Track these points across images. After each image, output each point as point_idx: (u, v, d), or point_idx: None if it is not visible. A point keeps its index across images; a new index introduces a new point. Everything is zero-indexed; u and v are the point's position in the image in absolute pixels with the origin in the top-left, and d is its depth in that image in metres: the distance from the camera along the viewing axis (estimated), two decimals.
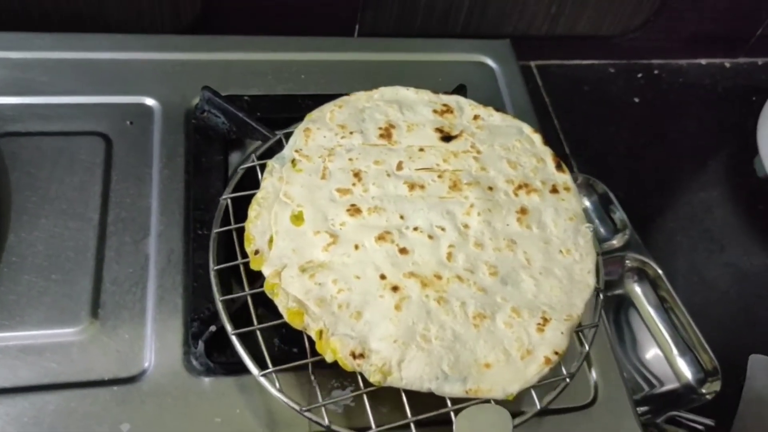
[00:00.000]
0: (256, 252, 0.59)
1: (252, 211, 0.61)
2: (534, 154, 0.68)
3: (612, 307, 0.87)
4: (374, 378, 0.53)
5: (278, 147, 0.68)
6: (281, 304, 0.56)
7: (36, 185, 0.69)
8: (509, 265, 0.60)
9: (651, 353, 0.85)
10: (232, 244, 0.62)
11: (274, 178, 0.63)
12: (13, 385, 0.58)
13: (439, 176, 0.64)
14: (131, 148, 0.73)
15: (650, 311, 0.88)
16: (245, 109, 0.75)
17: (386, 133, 0.67)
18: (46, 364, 0.59)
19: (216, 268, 0.60)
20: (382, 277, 0.57)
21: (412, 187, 0.63)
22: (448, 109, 0.70)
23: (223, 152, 0.74)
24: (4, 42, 0.78)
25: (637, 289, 0.89)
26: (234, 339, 0.56)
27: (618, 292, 0.89)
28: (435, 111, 0.70)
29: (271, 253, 0.58)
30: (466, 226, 0.62)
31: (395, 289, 0.57)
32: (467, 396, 0.54)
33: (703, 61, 1.16)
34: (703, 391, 0.81)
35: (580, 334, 0.61)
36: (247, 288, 0.59)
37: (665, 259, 0.89)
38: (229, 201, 0.64)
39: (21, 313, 0.61)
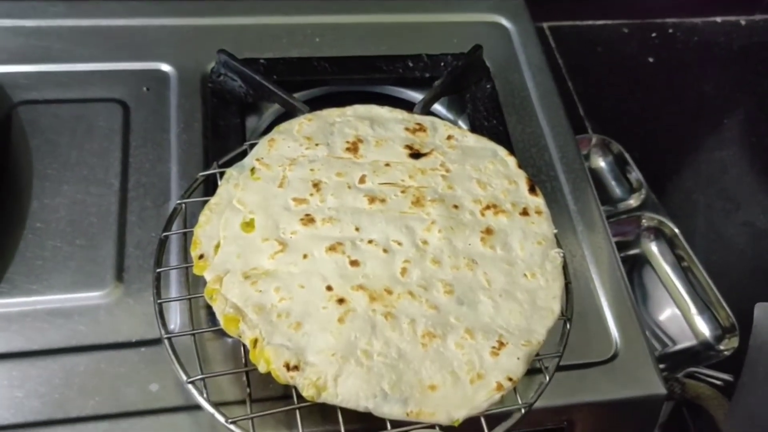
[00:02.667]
0: (201, 256, 0.56)
1: (202, 216, 0.59)
2: (506, 176, 0.65)
3: (627, 266, 0.83)
4: (308, 392, 0.50)
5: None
6: (218, 309, 0.54)
7: (56, 152, 0.69)
8: (467, 284, 0.57)
9: (668, 312, 0.84)
10: None
11: (230, 185, 0.61)
12: (43, 347, 0.58)
13: (403, 191, 0.62)
14: (149, 114, 0.73)
15: (667, 270, 0.87)
16: (261, 72, 0.75)
17: (353, 147, 0.65)
18: (75, 327, 0.59)
19: (159, 270, 0.58)
20: (329, 288, 0.54)
21: (372, 200, 0.61)
22: (421, 128, 0.68)
23: (240, 115, 0.74)
24: (19, 10, 0.79)
25: (653, 249, 0.88)
26: (166, 343, 0.53)
27: (634, 251, 0.88)
28: (407, 129, 0.68)
29: (215, 259, 0.56)
30: (425, 242, 0.59)
31: (341, 301, 0.54)
32: (408, 419, 0.50)
33: (719, 19, 1.14)
34: (721, 347, 0.81)
35: (541, 363, 0.56)
36: (188, 292, 0.57)
37: (682, 219, 0.88)
38: (184, 206, 0.62)
39: (48, 277, 0.61)
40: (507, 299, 0.57)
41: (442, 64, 0.81)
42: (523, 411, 0.53)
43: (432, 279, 0.57)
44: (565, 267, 0.61)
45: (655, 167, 0.92)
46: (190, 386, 0.51)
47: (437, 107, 0.81)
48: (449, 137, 0.68)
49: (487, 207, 0.62)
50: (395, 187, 0.62)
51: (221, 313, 0.53)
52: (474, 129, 0.77)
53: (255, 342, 0.52)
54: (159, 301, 0.56)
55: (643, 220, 0.88)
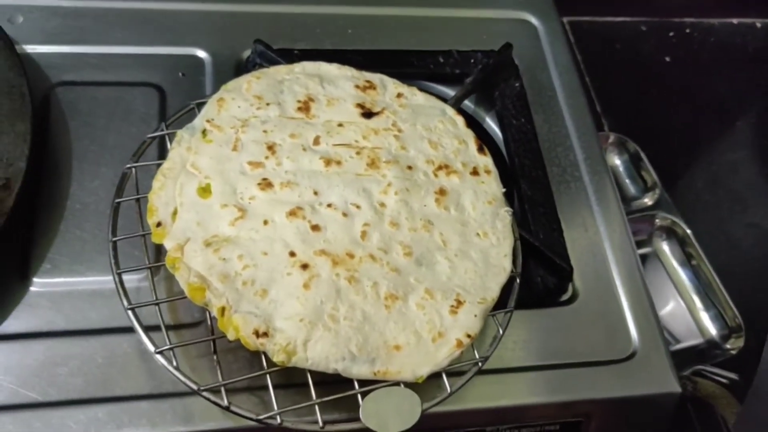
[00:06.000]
0: (159, 224, 0.56)
1: (156, 182, 0.58)
2: (456, 135, 0.67)
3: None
4: (278, 358, 0.51)
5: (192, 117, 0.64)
6: (182, 278, 0.53)
7: (94, 134, 0.69)
8: (425, 246, 0.59)
9: (675, 310, 0.86)
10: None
11: (182, 148, 0.60)
12: (85, 327, 0.59)
13: (358, 153, 0.62)
14: (185, 99, 0.70)
15: (677, 269, 0.88)
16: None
17: (305, 107, 0.64)
18: (116, 308, 0.57)
19: (114, 239, 0.56)
20: (292, 254, 0.55)
21: (328, 162, 0.61)
22: (370, 86, 0.68)
23: None
24: None
25: (665, 248, 0.90)
26: (130, 314, 0.53)
27: (646, 250, 0.90)
28: (357, 86, 0.67)
29: (174, 226, 0.55)
30: (382, 204, 0.60)
31: (305, 266, 0.54)
32: (375, 378, 0.53)
33: (735, 21, 1.15)
34: (728, 346, 0.82)
35: (495, 318, 0.59)
36: (148, 261, 0.56)
37: (692, 218, 0.90)
38: (134, 170, 0.60)
39: (88, 258, 0.61)
40: (462, 259, 0.59)
41: (472, 60, 0.81)
42: (480, 365, 0.56)
43: (391, 241, 0.58)
44: (513, 225, 0.63)
45: (667, 166, 0.93)
46: (159, 356, 0.51)
47: (465, 102, 0.81)
48: (399, 95, 0.68)
49: (440, 167, 0.64)
50: (350, 149, 0.62)
51: (185, 282, 0.53)
52: (503, 127, 0.78)
53: (222, 310, 0.52)
54: (118, 271, 0.55)
55: (657, 220, 0.90)
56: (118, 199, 0.58)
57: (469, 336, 0.55)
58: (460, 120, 0.68)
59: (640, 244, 0.88)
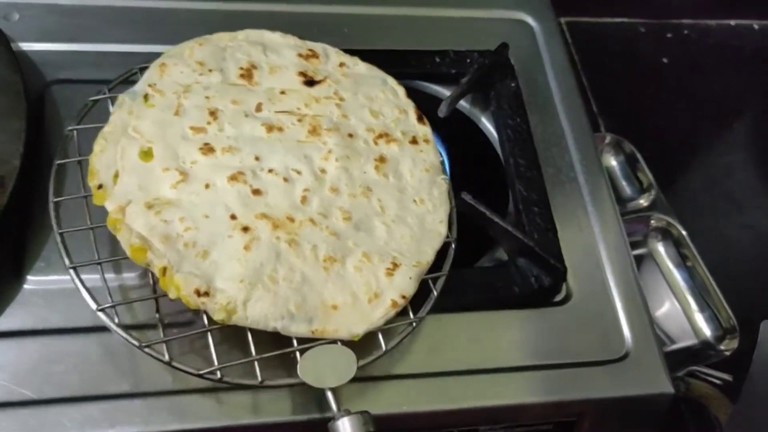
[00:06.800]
0: (100, 186, 0.56)
1: (97, 145, 0.58)
2: (397, 105, 0.69)
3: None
4: (218, 316, 0.53)
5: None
6: (124, 239, 0.54)
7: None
8: (363, 211, 0.61)
9: (671, 311, 0.86)
10: None
11: (124, 112, 0.60)
12: (79, 325, 0.58)
13: (299, 120, 0.64)
14: None
15: (672, 270, 0.89)
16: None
17: (247, 74, 0.65)
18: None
19: (55, 200, 0.57)
20: (233, 217, 0.56)
21: (270, 129, 0.62)
22: (313, 54, 0.69)
23: None
24: None
25: (660, 249, 0.90)
26: (72, 273, 0.54)
27: (641, 251, 0.90)
28: (300, 55, 0.69)
29: (115, 189, 0.56)
30: (323, 171, 0.62)
31: (245, 229, 0.56)
32: (313, 336, 0.55)
33: (733, 22, 1.15)
34: (722, 347, 0.82)
35: (430, 281, 0.62)
36: (89, 222, 0.57)
37: (687, 219, 0.89)
38: (75, 132, 0.61)
39: (83, 257, 0.57)
40: (399, 224, 0.61)
41: (468, 60, 0.80)
42: (414, 324, 0.59)
43: (331, 207, 0.60)
44: (449, 192, 0.66)
45: (663, 166, 0.93)
46: (100, 314, 0.53)
47: (461, 102, 0.81)
48: (341, 64, 0.70)
49: (380, 136, 0.66)
50: (292, 116, 0.64)
51: (127, 243, 0.54)
52: (498, 127, 0.78)
53: (164, 270, 0.53)
54: (60, 231, 0.55)
55: (652, 221, 0.90)
56: (58, 161, 0.59)
57: (403, 297, 0.58)
58: (401, 90, 0.70)
59: (635, 245, 0.88)
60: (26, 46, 0.72)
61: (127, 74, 0.65)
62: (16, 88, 0.64)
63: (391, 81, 0.71)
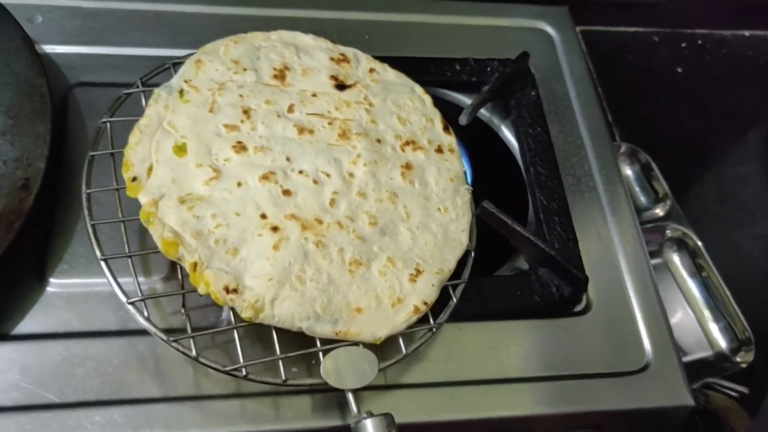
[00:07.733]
0: (134, 179, 0.57)
1: (133, 137, 0.59)
2: (424, 113, 0.70)
3: None
4: (246, 314, 0.53)
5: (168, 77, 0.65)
6: (156, 233, 0.55)
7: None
8: (389, 216, 0.62)
9: (685, 322, 0.86)
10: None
11: (159, 107, 0.61)
12: (101, 329, 0.59)
13: (330, 123, 0.64)
14: None
15: (687, 281, 0.88)
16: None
17: (280, 75, 0.66)
18: (132, 310, 0.56)
19: (89, 191, 0.57)
20: (263, 216, 0.57)
21: (301, 130, 0.63)
22: (344, 59, 0.70)
23: None
24: None
25: (675, 259, 0.90)
26: (103, 264, 0.54)
27: (656, 261, 0.89)
28: (332, 59, 0.70)
29: (149, 182, 0.57)
30: (351, 174, 0.62)
31: (275, 229, 0.57)
32: (337, 337, 0.56)
33: (747, 33, 1.15)
34: (737, 359, 0.82)
35: (450, 288, 0.63)
36: (121, 215, 0.57)
37: (702, 229, 0.89)
38: (109, 125, 0.61)
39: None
40: (423, 231, 0.62)
41: (489, 69, 0.81)
42: (434, 330, 0.60)
43: (358, 210, 0.61)
44: (471, 202, 0.67)
45: (677, 176, 0.93)
46: (130, 307, 0.53)
47: (481, 110, 0.81)
48: (371, 70, 0.71)
49: (407, 143, 0.67)
50: (323, 119, 0.65)
51: (159, 236, 0.55)
52: (518, 136, 0.79)
53: (195, 266, 0.54)
54: (92, 222, 0.56)
55: (667, 231, 0.90)
56: (92, 152, 0.59)
57: (425, 303, 0.59)
58: (428, 99, 0.71)
59: (650, 255, 0.84)
60: (49, 48, 0.73)
61: (160, 69, 0.66)
62: (41, 91, 0.64)
63: (419, 89, 0.72)
